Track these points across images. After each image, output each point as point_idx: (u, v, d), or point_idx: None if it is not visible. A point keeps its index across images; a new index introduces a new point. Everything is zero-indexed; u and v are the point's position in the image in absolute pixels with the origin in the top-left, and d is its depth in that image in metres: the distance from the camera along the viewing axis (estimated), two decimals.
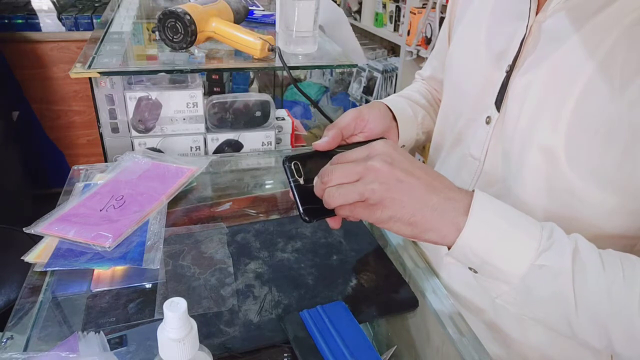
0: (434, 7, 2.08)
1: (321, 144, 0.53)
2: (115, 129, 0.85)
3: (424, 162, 0.58)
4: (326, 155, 0.51)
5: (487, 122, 0.56)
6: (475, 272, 0.46)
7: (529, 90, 0.51)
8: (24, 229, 0.61)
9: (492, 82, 0.56)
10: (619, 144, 0.44)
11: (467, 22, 0.64)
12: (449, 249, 0.45)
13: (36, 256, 0.58)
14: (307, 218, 0.48)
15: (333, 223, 0.50)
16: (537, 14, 0.52)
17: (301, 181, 0.49)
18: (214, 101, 0.89)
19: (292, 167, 0.49)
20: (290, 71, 0.84)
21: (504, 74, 0.54)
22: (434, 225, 0.44)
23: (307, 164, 0.50)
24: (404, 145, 0.70)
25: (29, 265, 0.57)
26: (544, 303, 0.44)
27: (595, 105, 0.45)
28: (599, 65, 0.45)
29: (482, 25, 0.60)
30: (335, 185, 0.45)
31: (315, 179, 0.47)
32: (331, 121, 0.59)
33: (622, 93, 0.44)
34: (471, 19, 0.63)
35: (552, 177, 0.49)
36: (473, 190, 0.46)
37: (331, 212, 0.48)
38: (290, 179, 0.49)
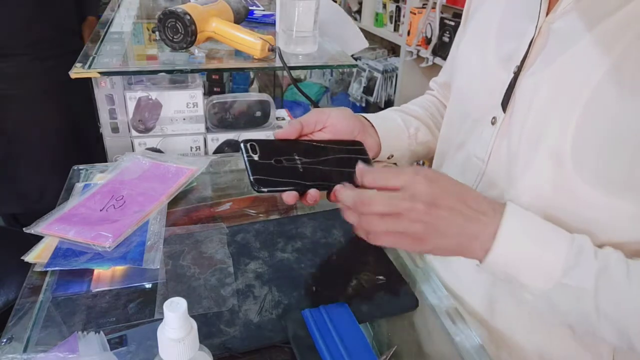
0: (434, 7, 2.08)
1: (280, 133, 0.57)
2: (115, 129, 0.85)
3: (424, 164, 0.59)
4: (285, 144, 0.55)
5: (493, 123, 0.56)
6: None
7: (537, 92, 0.50)
8: (24, 229, 0.60)
9: (499, 83, 0.55)
10: (629, 148, 0.44)
11: (477, 23, 0.64)
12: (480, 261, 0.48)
13: (36, 256, 0.58)
14: (257, 187, 0.50)
15: (288, 198, 0.51)
16: (547, 14, 0.51)
17: (256, 157, 0.52)
18: (214, 101, 0.89)
19: (248, 146, 0.53)
20: (290, 71, 0.84)
21: (512, 75, 0.54)
22: (468, 250, 0.48)
23: (264, 146, 0.53)
24: (392, 155, 0.69)
25: (29, 265, 0.57)
26: (566, 315, 0.47)
27: (604, 109, 0.45)
28: (609, 68, 0.45)
29: (492, 26, 0.59)
30: (377, 215, 0.47)
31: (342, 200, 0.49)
32: None
33: (632, 97, 0.43)
34: (481, 19, 0.63)
35: (557, 180, 0.49)
36: (505, 204, 0.48)
37: (284, 186, 0.50)
38: (245, 155, 0.52)
